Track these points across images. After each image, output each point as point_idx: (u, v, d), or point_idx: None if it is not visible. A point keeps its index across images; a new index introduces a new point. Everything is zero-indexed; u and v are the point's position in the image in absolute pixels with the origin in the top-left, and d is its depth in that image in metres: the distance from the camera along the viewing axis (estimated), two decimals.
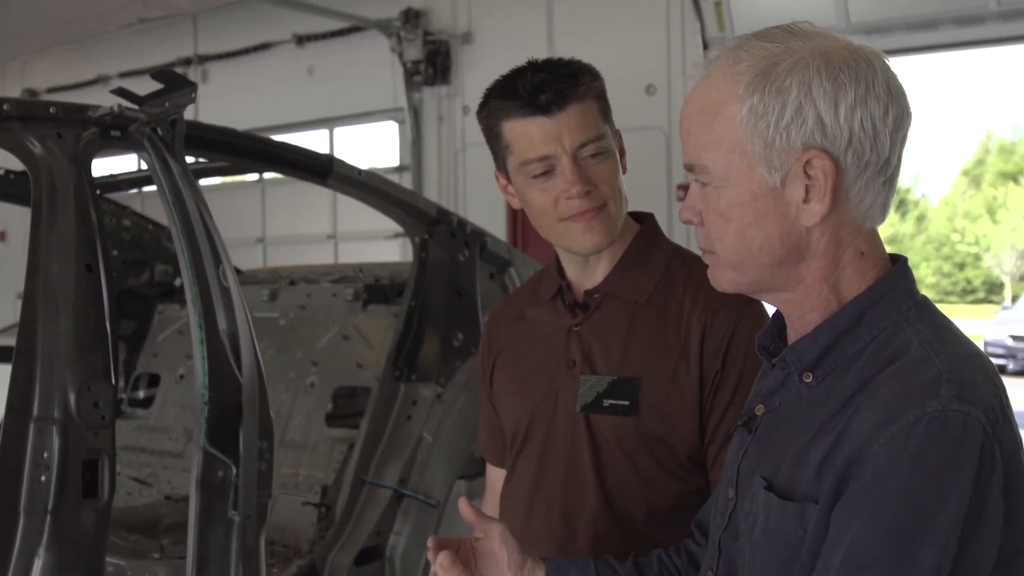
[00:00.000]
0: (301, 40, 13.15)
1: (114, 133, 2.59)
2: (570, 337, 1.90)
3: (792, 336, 1.36)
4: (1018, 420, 1.25)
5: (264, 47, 13.52)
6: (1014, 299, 30.20)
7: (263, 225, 14.06)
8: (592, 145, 1.81)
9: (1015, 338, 19.21)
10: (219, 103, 12.55)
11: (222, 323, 2.51)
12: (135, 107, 2.59)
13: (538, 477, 1.91)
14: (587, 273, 1.92)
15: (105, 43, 13.06)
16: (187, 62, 14.06)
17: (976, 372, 1.22)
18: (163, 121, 2.56)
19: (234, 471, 2.48)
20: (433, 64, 12.04)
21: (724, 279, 1.36)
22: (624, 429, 1.81)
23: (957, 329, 1.31)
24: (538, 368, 1.93)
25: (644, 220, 1.97)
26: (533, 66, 1.82)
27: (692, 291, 1.82)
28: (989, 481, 1.15)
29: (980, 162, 45.93)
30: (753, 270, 1.32)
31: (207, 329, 2.49)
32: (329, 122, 13.38)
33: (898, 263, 1.32)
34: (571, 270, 1.94)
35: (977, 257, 43.28)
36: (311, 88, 13.20)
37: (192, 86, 2.54)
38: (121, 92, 2.59)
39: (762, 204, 1.27)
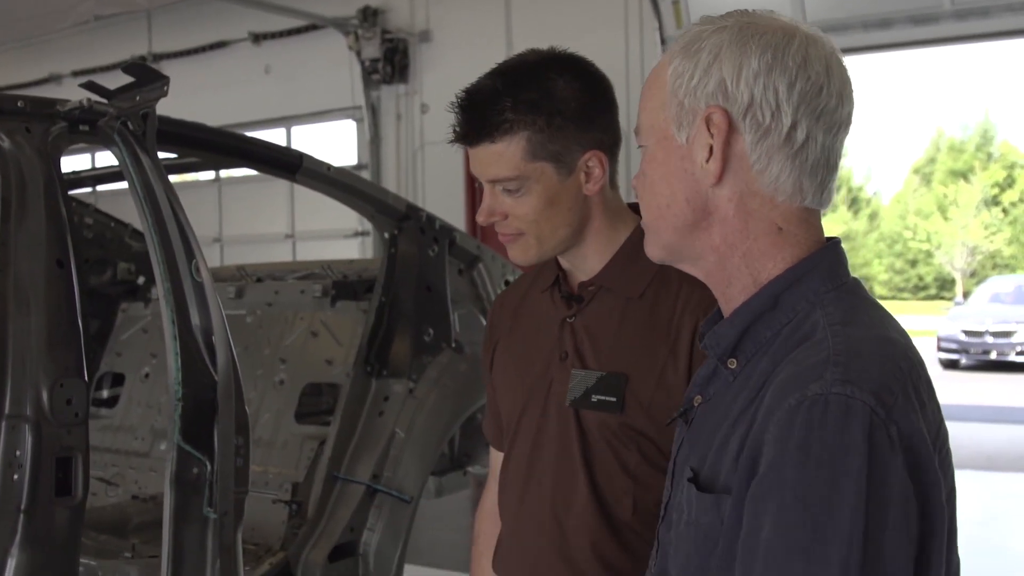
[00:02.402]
0: (258, 38, 13.09)
1: (83, 128, 2.56)
2: (563, 329, 1.89)
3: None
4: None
5: (220, 45, 13.45)
6: (965, 295, 30.61)
7: (220, 224, 13.95)
8: (504, 183, 1.80)
9: (967, 333, 19.50)
10: (175, 102, 12.30)
11: (195, 319, 2.49)
12: (104, 101, 2.56)
13: (530, 467, 1.91)
14: (577, 267, 1.91)
15: (57, 41, 12.91)
16: (142, 60, 13.95)
17: (875, 354, 1.18)
18: (134, 115, 2.53)
19: (209, 468, 2.46)
20: (391, 62, 12.02)
21: (649, 245, 1.39)
22: (610, 425, 1.80)
23: (878, 313, 1.28)
24: (534, 357, 1.93)
25: None
26: (469, 90, 1.80)
27: (687, 289, 1.79)
28: (886, 464, 1.10)
29: (931, 160, 46.56)
30: (665, 232, 1.34)
31: (180, 325, 2.47)
32: (287, 121, 13.33)
33: (824, 246, 1.30)
34: (566, 261, 1.93)
35: (929, 254, 43.87)
36: (268, 86, 13.14)
37: (164, 79, 2.51)
38: (91, 86, 2.56)
39: (672, 162, 1.30)
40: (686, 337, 1.78)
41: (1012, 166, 43.28)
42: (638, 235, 1.87)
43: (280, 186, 11.98)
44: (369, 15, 12.10)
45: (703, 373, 1.37)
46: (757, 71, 1.24)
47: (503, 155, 1.78)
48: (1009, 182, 42.79)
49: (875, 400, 1.12)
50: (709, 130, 1.26)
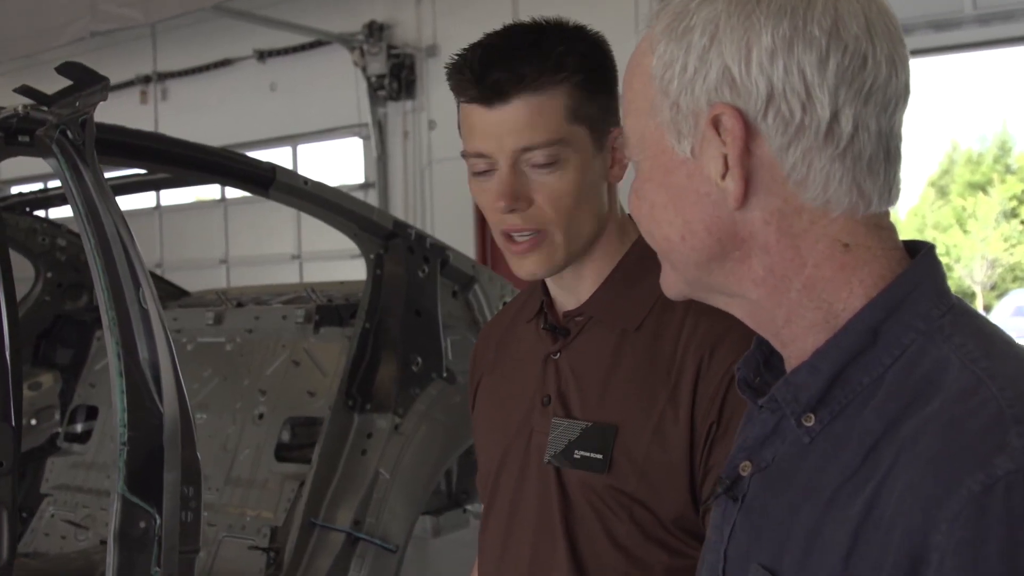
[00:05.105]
0: (263, 55, 12.89)
1: (22, 138, 2.29)
2: (547, 367, 1.55)
3: (788, 363, 1.02)
4: None
5: (225, 63, 13.26)
6: (986, 309, 30.20)
7: (226, 245, 13.76)
8: (540, 152, 1.43)
9: None
10: (179, 121, 12.26)
11: (143, 352, 2.21)
12: (44, 107, 2.29)
13: (507, 534, 1.58)
14: (569, 290, 1.56)
15: (59, 61, 12.74)
16: (146, 79, 13.79)
17: None
18: (73, 123, 2.25)
19: (157, 521, 2.17)
20: (398, 78, 11.79)
21: (667, 279, 1.05)
22: (595, 487, 1.47)
23: (1008, 337, 0.96)
24: (513, 401, 1.60)
25: None
26: (497, 34, 1.46)
27: (692, 319, 1.46)
28: None
29: (946, 172, 46.20)
30: (685, 267, 1.01)
31: (126, 359, 2.19)
32: (293, 139, 13.13)
33: (920, 254, 0.97)
34: (551, 285, 1.59)
35: (948, 268, 43.34)
36: (274, 104, 12.93)
37: (104, 81, 2.23)
38: (27, 91, 2.29)
39: (675, 180, 0.97)
40: (688, 379, 1.43)
41: None
42: (636, 253, 1.54)
43: (288, 206, 11.76)
44: (375, 30, 11.88)
45: (755, 432, 1.03)
46: (772, 49, 0.91)
47: (543, 111, 1.41)
48: None
49: None
50: (720, 136, 0.93)
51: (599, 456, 1.45)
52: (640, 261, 1.53)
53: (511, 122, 1.42)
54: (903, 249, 0.98)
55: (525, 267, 1.50)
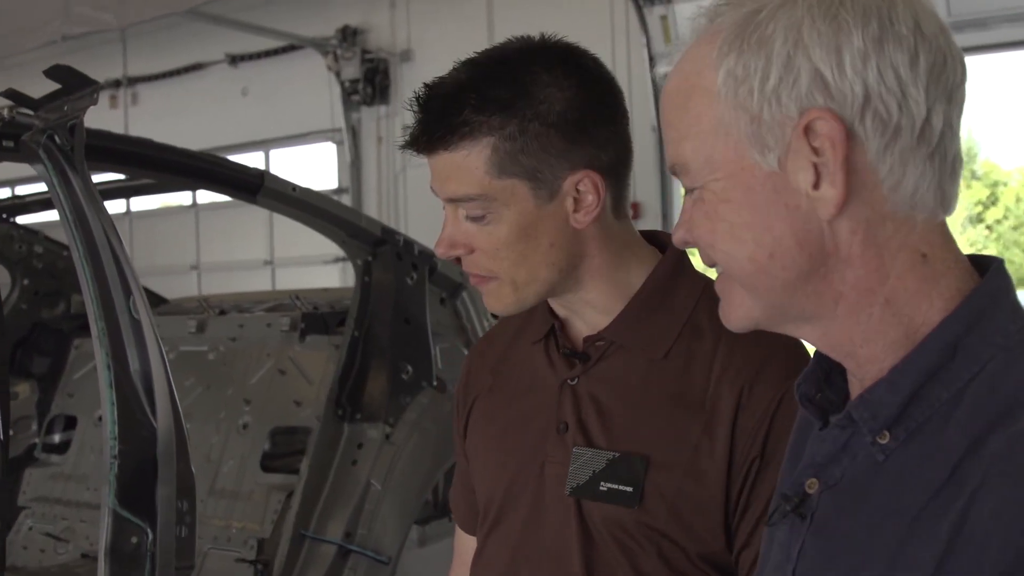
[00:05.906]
0: (235, 60, 12.81)
1: (7, 143, 2.23)
2: (563, 393, 1.47)
3: (853, 381, 0.99)
4: None
5: (196, 67, 13.17)
6: None
7: (197, 251, 13.64)
8: (466, 205, 1.40)
9: None
10: (150, 126, 12.13)
11: (134, 363, 2.15)
12: (30, 112, 2.23)
13: (511, 569, 1.50)
14: (584, 314, 1.50)
15: (31, 64, 12.49)
16: (116, 84, 13.67)
17: None
18: (61, 128, 2.19)
19: (150, 536, 2.11)
20: (371, 83, 11.75)
21: (736, 308, 0.99)
22: (622, 521, 1.40)
23: None
24: (521, 427, 1.52)
25: (667, 247, 1.51)
26: (432, 84, 1.41)
27: (725, 347, 1.39)
28: None
29: None
30: (770, 290, 0.95)
31: (117, 370, 2.13)
32: (265, 144, 13.04)
33: (993, 267, 0.95)
34: (563, 307, 1.52)
35: None
36: (246, 109, 12.86)
37: (94, 85, 2.17)
38: (12, 95, 2.23)
39: (760, 197, 0.93)
40: (727, 410, 1.37)
41: (995, 184, 43.37)
42: (659, 275, 1.47)
43: (259, 210, 11.66)
44: (348, 35, 11.83)
45: (823, 449, 0.99)
46: (864, 50, 0.88)
47: (462, 167, 1.37)
48: (993, 200, 42.81)
49: None
50: (810, 144, 0.90)
51: (629, 489, 1.39)
52: (661, 287, 1.48)
53: (438, 173, 1.41)
54: (968, 261, 0.96)
55: (486, 302, 1.48)
